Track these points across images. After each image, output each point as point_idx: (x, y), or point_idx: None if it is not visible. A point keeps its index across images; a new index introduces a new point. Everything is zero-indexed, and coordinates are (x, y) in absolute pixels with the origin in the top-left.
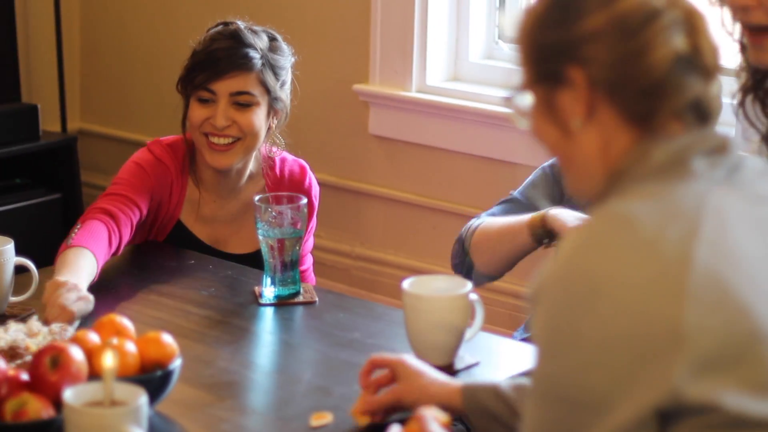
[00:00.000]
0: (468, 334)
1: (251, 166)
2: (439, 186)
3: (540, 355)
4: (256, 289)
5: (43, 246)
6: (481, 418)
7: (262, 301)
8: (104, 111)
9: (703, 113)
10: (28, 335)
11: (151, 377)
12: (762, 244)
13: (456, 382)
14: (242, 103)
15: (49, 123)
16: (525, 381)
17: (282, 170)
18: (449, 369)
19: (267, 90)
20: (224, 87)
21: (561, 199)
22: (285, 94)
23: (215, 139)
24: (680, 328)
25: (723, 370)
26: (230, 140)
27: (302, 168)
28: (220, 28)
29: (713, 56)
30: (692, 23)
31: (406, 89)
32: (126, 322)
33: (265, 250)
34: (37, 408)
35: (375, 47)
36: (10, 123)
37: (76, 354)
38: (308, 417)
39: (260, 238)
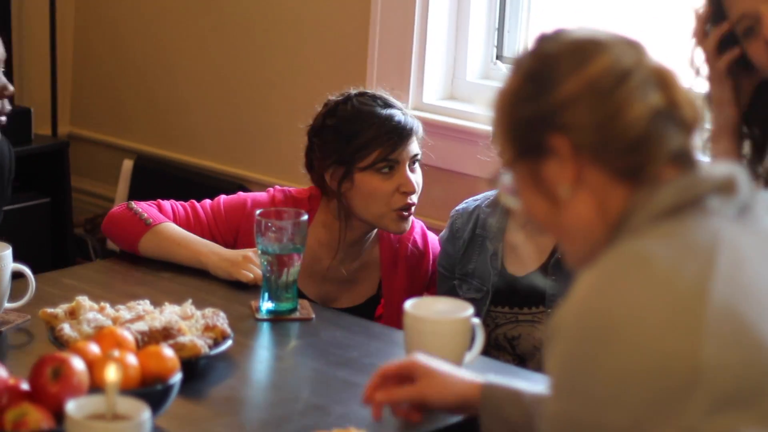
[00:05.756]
0: (468, 357)
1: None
2: (432, 205)
3: (556, 392)
4: (253, 303)
5: (32, 250)
6: (493, 419)
7: (259, 315)
8: (95, 116)
9: (690, 161)
10: (182, 317)
11: (152, 391)
12: None
13: (477, 378)
14: (414, 163)
15: (40, 127)
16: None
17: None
18: None
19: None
20: (406, 153)
21: (466, 245)
22: None
23: (406, 209)
24: (698, 365)
25: (741, 406)
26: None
27: (420, 230)
28: (356, 99)
29: (691, 108)
30: (664, 79)
31: None
32: (127, 335)
33: (263, 266)
34: (38, 419)
35: (372, 63)
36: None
37: (78, 365)
38: None
39: (259, 252)
